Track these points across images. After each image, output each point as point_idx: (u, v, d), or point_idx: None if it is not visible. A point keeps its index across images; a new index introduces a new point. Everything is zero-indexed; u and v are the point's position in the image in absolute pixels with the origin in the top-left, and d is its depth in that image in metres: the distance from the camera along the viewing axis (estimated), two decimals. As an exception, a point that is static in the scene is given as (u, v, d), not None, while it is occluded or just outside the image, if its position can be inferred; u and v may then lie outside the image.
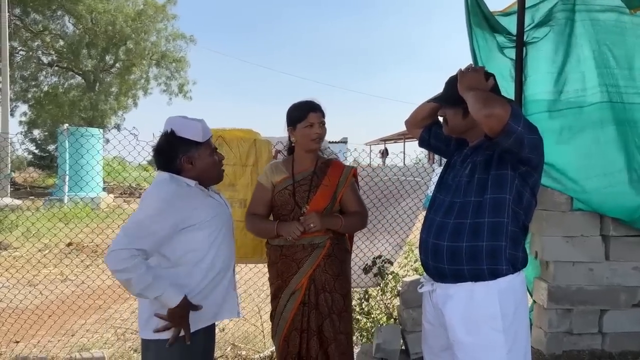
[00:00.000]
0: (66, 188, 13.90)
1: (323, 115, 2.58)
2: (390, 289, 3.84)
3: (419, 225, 4.02)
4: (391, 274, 3.80)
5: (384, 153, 27.36)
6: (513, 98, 3.56)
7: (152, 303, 1.97)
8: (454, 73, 2.17)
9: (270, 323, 2.69)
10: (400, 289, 3.71)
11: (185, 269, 2.02)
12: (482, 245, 1.99)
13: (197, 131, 2.06)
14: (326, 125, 2.59)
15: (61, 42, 25.04)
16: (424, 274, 2.26)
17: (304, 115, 2.53)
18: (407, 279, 3.73)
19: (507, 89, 3.66)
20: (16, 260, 7.24)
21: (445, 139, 2.37)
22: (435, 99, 2.28)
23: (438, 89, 2.31)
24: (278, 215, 2.63)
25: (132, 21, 24.21)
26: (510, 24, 3.82)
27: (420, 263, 4.34)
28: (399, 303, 3.73)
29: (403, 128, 2.61)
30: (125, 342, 4.26)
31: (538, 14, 3.88)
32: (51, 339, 4.23)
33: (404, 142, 30.61)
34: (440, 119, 2.33)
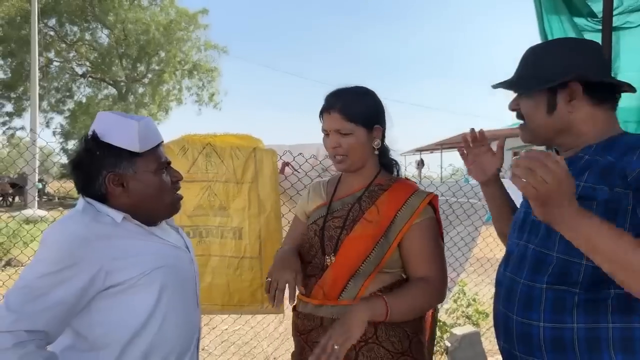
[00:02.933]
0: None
1: (349, 119, 1.54)
2: (435, 343, 2.96)
3: (472, 261, 3.21)
4: (437, 324, 2.92)
5: (420, 164, 26.31)
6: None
7: None
8: (495, 80, 1.39)
9: None
10: (448, 344, 2.83)
11: (109, 354, 1.30)
12: (607, 328, 1.16)
13: (130, 134, 1.34)
14: (356, 135, 1.55)
15: (95, 54, 25.14)
16: None
17: (320, 115, 1.62)
18: (457, 330, 2.85)
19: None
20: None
21: None
22: (504, 84, 1.41)
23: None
24: (306, 264, 1.66)
25: (164, 30, 24.10)
26: (594, 3, 2.94)
27: (476, 310, 3.54)
28: (446, 363, 2.85)
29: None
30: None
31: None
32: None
33: (441, 152, 29.52)
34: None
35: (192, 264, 1.51)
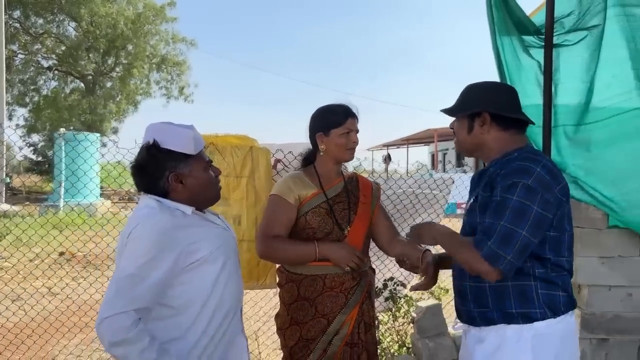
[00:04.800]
0: (62, 194, 13.57)
1: (357, 122, 2.24)
2: (402, 314, 3.44)
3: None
4: (404, 298, 3.40)
5: (387, 159, 26.96)
6: (541, 105, 3.16)
7: None
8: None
9: None
10: (414, 315, 3.31)
11: (187, 318, 1.64)
12: (507, 285, 1.69)
13: (187, 141, 1.67)
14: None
15: (62, 47, 24.72)
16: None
17: (342, 120, 2.16)
18: (422, 303, 3.34)
19: (534, 96, 3.27)
20: (5, 272, 6.86)
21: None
22: (445, 110, 1.95)
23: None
24: (308, 238, 2.15)
25: (132, 24, 23.91)
26: (540, 24, 3.43)
27: (438, 286, 4.02)
28: (412, 331, 3.33)
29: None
30: (109, 370, 3.85)
31: (568, 22, 3.47)
32: (27, 366, 3.83)
33: (407, 147, 30.28)
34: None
35: (234, 240, 1.87)
